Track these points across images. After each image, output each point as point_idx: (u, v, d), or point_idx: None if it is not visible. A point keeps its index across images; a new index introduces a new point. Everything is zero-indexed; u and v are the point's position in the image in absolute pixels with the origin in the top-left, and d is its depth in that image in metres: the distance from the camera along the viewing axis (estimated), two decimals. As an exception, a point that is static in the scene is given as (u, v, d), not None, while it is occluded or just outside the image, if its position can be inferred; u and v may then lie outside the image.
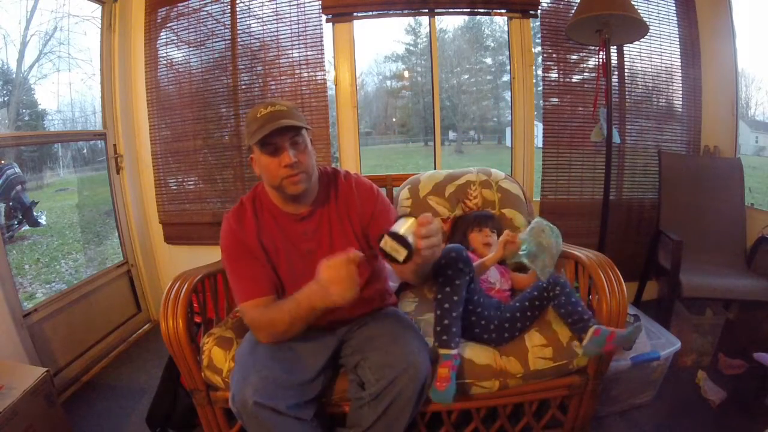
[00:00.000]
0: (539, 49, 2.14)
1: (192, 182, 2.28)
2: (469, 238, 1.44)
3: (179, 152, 2.24)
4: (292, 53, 2.11)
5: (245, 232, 1.04)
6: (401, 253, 0.76)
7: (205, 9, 2.13)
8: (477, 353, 1.11)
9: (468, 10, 2.11)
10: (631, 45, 2.07)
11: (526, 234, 1.15)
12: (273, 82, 2.16)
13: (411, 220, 0.80)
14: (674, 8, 2.12)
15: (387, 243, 0.77)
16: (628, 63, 2.12)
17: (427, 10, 2.10)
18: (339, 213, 1.09)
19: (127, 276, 2.22)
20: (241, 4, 2.11)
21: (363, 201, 1.10)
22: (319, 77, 2.10)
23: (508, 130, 2.77)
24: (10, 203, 2.79)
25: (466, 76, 9.74)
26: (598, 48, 1.85)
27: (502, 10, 2.07)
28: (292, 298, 0.93)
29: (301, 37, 2.08)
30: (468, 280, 1.10)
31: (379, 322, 1.10)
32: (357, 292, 0.84)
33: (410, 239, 0.77)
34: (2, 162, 2.69)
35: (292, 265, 1.07)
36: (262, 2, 2.10)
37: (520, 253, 1.14)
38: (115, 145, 2.15)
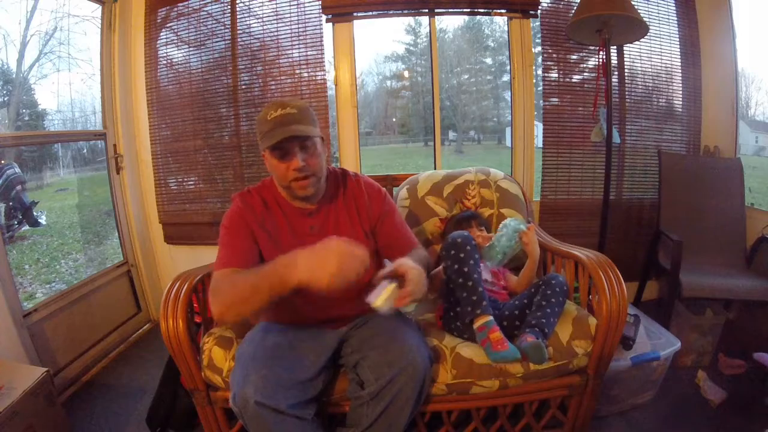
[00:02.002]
0: (539, 49, 2.14)
1: (192, 182, 2.28)
2: None
3: (179, 152, 2.24)
4: (292, 53, 2.11)
5: (251, 214, 1.06)
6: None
7: (205, 9, 2.13)
8: (477, 352, 1.10)
9: (468, 10, 2.11)
10: (631, 45, 2.07)
11: (502, 237, 1.30)
12: (273, 82, 2.17)
13: (391, 289, 0.89)
14: (674, 8, 2.12)
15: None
16: (628, 63, 2.12)
17: (427, 10, 2.10)
18: (347, 210, 1.12)
19: (127, 276, 2.22)
20: (241, 4, 2.11)
21: (371, 201, 1.14)
22: (319, 77, 2.11)
23: (508, 130, 2.77)
24: (10, 203, 2.79)
25: (466, 76, 9.75)
26: (598, 48, 1.85)
27: (502, 10, 2.07)
28: (267, 263, 0.88)
29: (301, 37, 2.08)
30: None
31: (379, 321, 1.10)
32: (342, 284, 0.79)
33: (386, 309, 0.89)
34: (2, 162, 2.69)
35: None
36: (262, 2, 2.10)
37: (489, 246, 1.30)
38: (115, 145, 2.15)
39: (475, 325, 1.05)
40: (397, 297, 0.90)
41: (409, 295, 0.90)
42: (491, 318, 1.05)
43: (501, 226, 1.38)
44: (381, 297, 0.89)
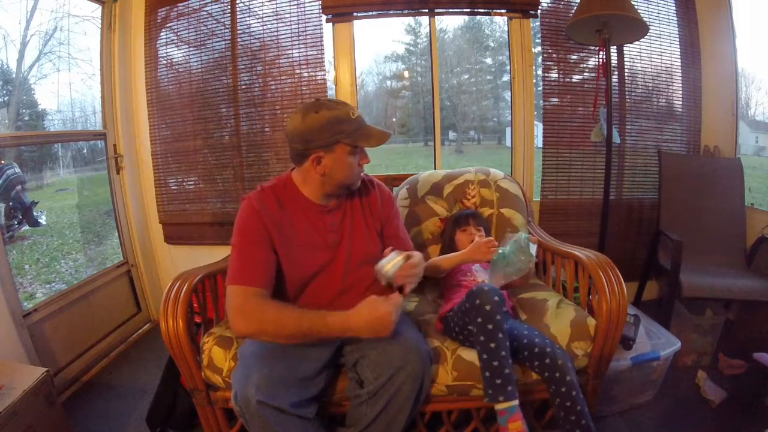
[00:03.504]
0: (539, 49, 2.14)
1: (192, 182, 2.28)
2: (456, 239, 1.45)
3: (179, 152, 2.24)
4: (292, 53, 2.11)
5: (268, 215, 1.05)
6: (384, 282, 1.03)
7: (205, 9, 2.13)
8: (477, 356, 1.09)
9: (468, 10, 2.11)
10: (631, 45, 2.07)
11: (508, 249, 1.14)
12: (273, 82, 2.17)
13: (399, 259, 1.02)
14: (674, 8, 2.12)
15: (378, 273, 1.02)
16: (628, 63, 2.12)
17: (427, 10, 2.10)
18: (362, 210, 1.17)
19: (127, 276, 2.22)
20: (241, 4, 2.11)
21: (383, 203, 1.21)
22: (319, 77, 2.11)
23: (508, 130, 2.77)
24: (10, 203, 2.79)
25: (466, 76, 9.76)
26: (598, 48, 1.85)
27: (502, 10, 2.07)
28: (320, 315, 0.94)
29: (301, 37, 2.08)
30: None
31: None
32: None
33: (391, 275, 1.01)
34: (2, 162, 2.69)
35: (313, 256, 1.09)
36: (262, 2, 2.10)
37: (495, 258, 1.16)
38: (115, 145, 2.15)
39: (497, 407, 0.98)
40: (402, 267, 1.00)
41: (413, 267, 1.02)
42: (515, 404, 0.96)
43: (524, 253, 1.15)
44: (390, 263, 1.00)
